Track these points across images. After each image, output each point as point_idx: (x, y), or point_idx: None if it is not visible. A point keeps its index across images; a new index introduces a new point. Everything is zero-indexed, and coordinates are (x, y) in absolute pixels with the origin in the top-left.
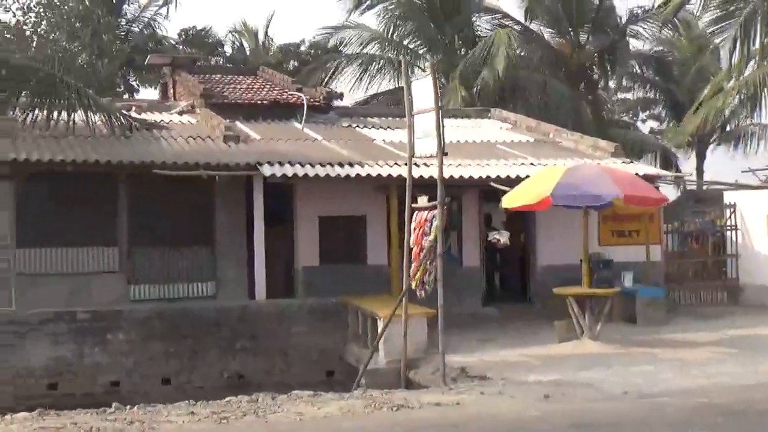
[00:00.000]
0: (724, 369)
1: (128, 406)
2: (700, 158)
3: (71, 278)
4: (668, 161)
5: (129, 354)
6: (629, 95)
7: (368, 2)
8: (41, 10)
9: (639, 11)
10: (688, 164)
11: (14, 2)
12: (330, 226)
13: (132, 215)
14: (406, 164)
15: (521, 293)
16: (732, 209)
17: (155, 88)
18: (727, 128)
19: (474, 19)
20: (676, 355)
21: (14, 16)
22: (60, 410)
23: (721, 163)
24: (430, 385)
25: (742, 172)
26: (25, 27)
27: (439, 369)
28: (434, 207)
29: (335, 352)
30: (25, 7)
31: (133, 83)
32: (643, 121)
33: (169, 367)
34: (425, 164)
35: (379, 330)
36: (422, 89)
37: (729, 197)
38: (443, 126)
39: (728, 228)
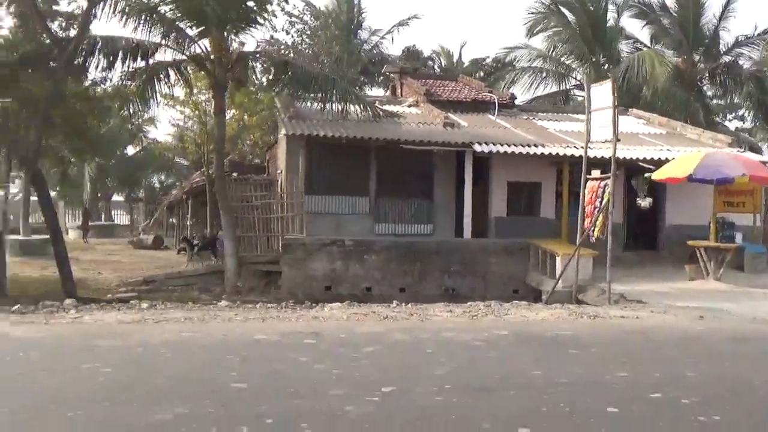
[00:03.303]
0: None
1: (403, 303)
2: None
3: (338, 216)
4: (756, 152)
5: (377, 269)
6: (720, 101)
7: (540, 27)
8: (308, 36)
9: (742, 38)
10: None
11: (293, 29)
12: (515, 188)
13: (379, 175)
14: (573, 146)
15: (650, 244)
16: None
17: (384, 88)
18: None
19: (618, 42)
20: None
21: (293, 38)
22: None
23: None
24: (595, 304)
25: None
26: (300, 47)
27: (604, 292)
28: (606, 177)
29: (519, 277)
30: (300, 33)
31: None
32: (730, 120)
33: (404, 280)
34: (590, 147)
35: (558, 264)
36: (600, 93)
37: None
38: (618, 120)
39: None
